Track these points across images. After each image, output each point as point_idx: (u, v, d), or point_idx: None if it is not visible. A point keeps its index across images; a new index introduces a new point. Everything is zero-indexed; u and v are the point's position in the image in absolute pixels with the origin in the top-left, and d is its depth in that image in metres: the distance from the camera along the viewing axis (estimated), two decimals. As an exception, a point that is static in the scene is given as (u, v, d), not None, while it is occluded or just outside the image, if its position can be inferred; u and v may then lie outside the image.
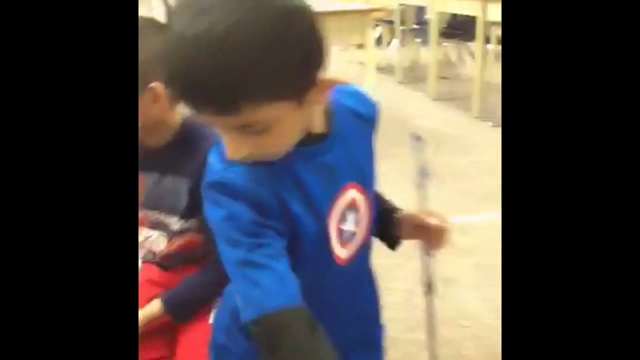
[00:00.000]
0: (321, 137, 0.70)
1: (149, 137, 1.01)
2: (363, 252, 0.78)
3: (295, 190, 0.68)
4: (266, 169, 0.65)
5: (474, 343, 1.53)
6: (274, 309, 0.62)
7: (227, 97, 0.56)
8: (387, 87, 4.27)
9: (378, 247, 0.82)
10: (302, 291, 0.64)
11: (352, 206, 0.73)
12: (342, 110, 0.73)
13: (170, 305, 1.05)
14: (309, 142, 0.68)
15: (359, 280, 0.81)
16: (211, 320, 0.94)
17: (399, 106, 3.63)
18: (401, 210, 0.86)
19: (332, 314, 0.70)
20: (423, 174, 0.88)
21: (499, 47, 3.46)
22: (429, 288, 0.91)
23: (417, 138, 0.88)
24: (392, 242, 0.87)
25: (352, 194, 0.73)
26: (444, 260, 1.83)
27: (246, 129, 0.60)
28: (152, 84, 0.94)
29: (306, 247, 0.69)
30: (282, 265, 0.64)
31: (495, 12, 3.18)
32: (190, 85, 0.57)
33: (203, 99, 0.57)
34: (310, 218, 0.69)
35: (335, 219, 0.72)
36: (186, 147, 1.01)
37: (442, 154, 2.79)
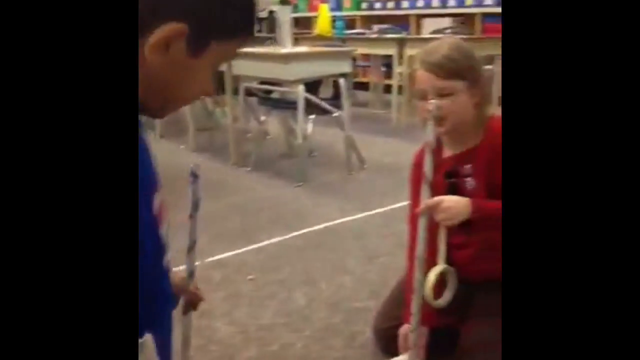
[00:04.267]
0: None
1: None
2: None
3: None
4: None
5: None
6: None
7: None
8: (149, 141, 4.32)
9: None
10: None
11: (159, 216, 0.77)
12: None
13: None
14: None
15: None
16: None
17: (161, 158, 3.69)
18: None
19: None
20: (195, 208, 0.99)
21: (250, 99, 3.76)
22: (186, 308, 1.03)
23: (194, 174, 0.98)
24: None
25: (158, 203, 0.77)
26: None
27: None
28: None
29: None
30: None
31: (240, 67, 3.48)
32: None
33: None
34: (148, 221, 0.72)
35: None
36: None
37: (205, 198, 2.95)
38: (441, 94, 1.35)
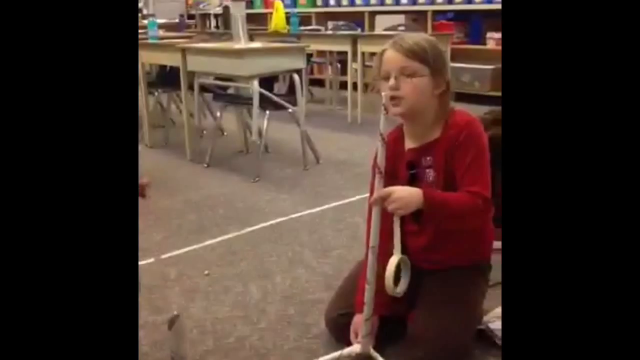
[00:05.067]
0: None
1: None
2: None
3: None
4: None
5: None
6: None
7: None
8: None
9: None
10: None
11: None
12: None
13: None
14: None
15: None
16: None
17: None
18: None
19: None
20: None
21: (205, 94, 3.75)
22: None
23: None
24: None
25: None
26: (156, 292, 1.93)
27: None
28: None
29: None
30: None
31: (195, 63, 3.47)
32: None
33: None
34: None
35: None
36: None
37: (161, 195, 2.95)
38: (403, 73, 1.42)
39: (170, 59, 3.63)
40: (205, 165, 3.56)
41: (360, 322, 1.50)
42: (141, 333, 1.74)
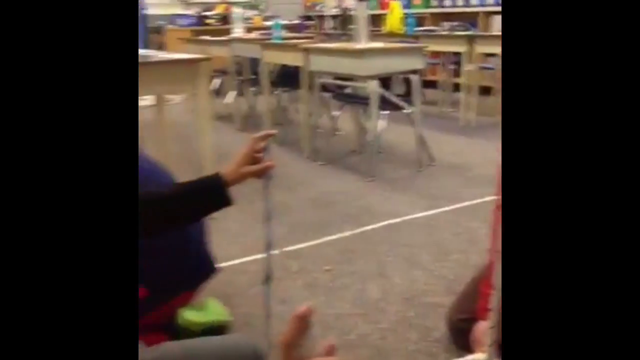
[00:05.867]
0: None
1: None
2: None
3: None
4: None
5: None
6: None
7: None
8: (229, 134, 4.50)
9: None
10: None
11: None
12: None
13: None
14: None
15: None
16: None
17: (239, 150, 3.85)
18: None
19: None
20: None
21: (324, 94, 3.84)
22: (267, 279, 1.07)
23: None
24: (225, 200, 1.01)
25: None
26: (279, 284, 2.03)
27: None
28: None
29: None
30: None
31: (316, 63, 3.56)
32: None
33: None
34: None
35: None
36: None
37: (280, 190, 3.07)
38: None
39: (293, 59, 3.75)
40: (321, 162, 3.65)
41: (482, 330, 1.48)
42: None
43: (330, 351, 0.54)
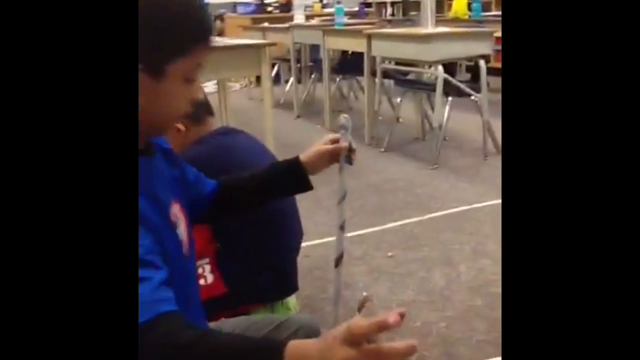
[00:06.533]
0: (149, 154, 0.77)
1: None
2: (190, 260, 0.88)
3: (152, 200, 0.73)
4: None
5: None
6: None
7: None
8: (287, 121, 4.50)
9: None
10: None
11: (175, 221, 0.80)
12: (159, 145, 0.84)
13: None
14: (146, 153, 0.75)
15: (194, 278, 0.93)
16: None
17: (297, 138, 3.85)
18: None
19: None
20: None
21: (386, 80, 3.77)
22: (338, 261, 1.03)
23: (343, 126, 1.04)
24: (305, 184, 1.02)
25: (175, 210, 0.80)
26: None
27: None
28: None
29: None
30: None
31: (379, 48, 3.49)
32: None
33: None
34: (166, 227, 0.75)
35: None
36: None
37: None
38: None
39: (356, 45, 3.69)
40: (382, 149, 3.59)
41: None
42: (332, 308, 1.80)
43: (411, 351, 0.53)
